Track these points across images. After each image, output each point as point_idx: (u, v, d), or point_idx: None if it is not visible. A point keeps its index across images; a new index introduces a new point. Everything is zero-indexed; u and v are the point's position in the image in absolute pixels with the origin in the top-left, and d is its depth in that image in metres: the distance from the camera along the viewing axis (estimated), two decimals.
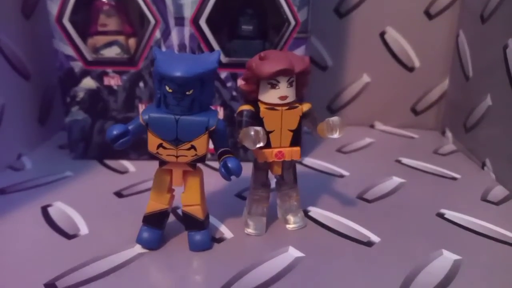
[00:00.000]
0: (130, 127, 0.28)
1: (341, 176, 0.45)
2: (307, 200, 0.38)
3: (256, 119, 0.31)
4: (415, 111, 0.60)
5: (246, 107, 0.31)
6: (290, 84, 0.30)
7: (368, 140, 0.55)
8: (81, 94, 0.45)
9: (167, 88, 0.27)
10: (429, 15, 0.55)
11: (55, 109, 0.55)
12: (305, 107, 0.31)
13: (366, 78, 0.59)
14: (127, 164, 0.47)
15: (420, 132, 0.59)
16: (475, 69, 0.50)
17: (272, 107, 0.30)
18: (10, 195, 0.40)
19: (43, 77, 0.52)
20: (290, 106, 0.31)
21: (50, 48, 0.44)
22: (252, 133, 0.28)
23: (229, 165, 0.28)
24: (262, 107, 0.31)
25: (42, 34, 0.50)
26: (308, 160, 0.48)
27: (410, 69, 0.58)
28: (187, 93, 0.27)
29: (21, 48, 0.48)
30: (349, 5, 0.55)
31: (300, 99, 0.32)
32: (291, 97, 0.31)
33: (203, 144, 0.29)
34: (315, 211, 0.37)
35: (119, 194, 0.40)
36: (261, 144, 0.28)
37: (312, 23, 0.43)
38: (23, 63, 0.48)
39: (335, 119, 0.30)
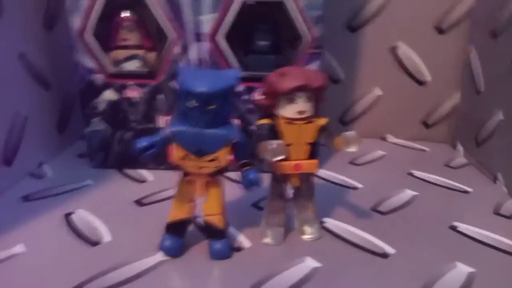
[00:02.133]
0: (156, 140, 0.29)
1: (355, 188, 0.45)
2: (323, 211, 0.38)
3: (274, 133, 0.32)
4: (426, 124, 0.61)
5: (265, 121, 0.32)
6: (308, 99, 0.31)
7: (380, 152, 0.56)
8: (101, 106, 0.46)
9: (191, 102, 0.29)
10: (440, 30, 0.56)
11: (73, 118, 0.57)
12: (322, 121, 0.32)
13: (377, 91, 0.59)
14: (145, 173, 0.48)
15: (431, 145, 0.59)
16: (486, 83, 0.50)
17: (290, 121, 0.31)
18: (34, 203, 0.41)
19: (63, 87, 0.54)
20: (308, 120, 0.32)
21: (69, 59, 0.45)
22: (272, 146, 0.29)
23: (250, 176, 0.29)
24: (281, 121, 0.31)
25: (62, 46, 0.51)
26: (322, 172, 0.49)
27: (421, 83, 0.58)
28: (210, 107, 0.28)
29: (42, 60, 0.49)
30: (361, 20, 0.56)
31: (316, 113, 0.33)
32: (309, 112, 0.32)
33: (225, 156, 0.30)
34: (331, 222, 0.38)
35: (139, 203, 0.41)
36: (281, 157, 0.29)
37: (324, 38, 0.44)
38: (43, 74, 0.50)
39: (351, 133, 0.30)
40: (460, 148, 0.57)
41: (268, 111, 0.32)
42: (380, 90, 0.59)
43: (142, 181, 0.46)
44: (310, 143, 0.32)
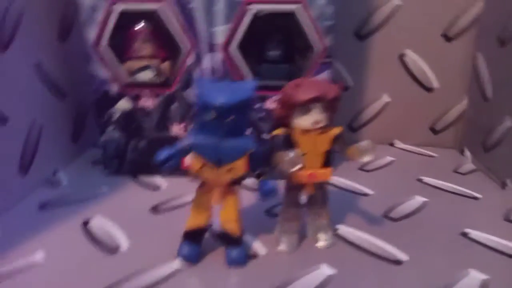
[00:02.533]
0: (176, 151, 0.30)
1: (366, 194, 0.46)
2: (335, 218, 0.39)
3: (289, 143, 0.32)
4: (434, 130, 0.61)
5: (279, 131, 0.33)
6: (322, 110, 0.32)
7: (389, 158, 0.57)
8: (116, 115, 0.47)
9: (209, 115, 0.29)
10: (447, 38, 0.57)
11: (87, 127, 0.57)
12: (336, 130, 0.33)
13: (386, 98, 0.60)
14: (159, 180, 0.48)
15: (439, 151, 0.60)
16: (494, 90, 0.51)
17: (305, 131, 0.32)
18: (51, 211, 0.42)
19: (77, 96, 0.55)
20: (322, 130, 0.32)
21: (83, 69, 0.46)
22: (290, 157, 0.29)
23: (267, 187, 0.30)
24: (296, 131, 0.32)
25: (76, 56, 0.52)
26: (332, 178, 0.49)
27: (429, 89, 0.59)
28: (228, 119, 0.29)
29: (57, 70, 0.50)
30: (369, 29, 0.57)
31: (330, 123, 0.33)
32: (323, 122, 0.32)
33: (242, 165, 0.30)
34: (344, 229, 0.38)
35: (155, 210, 0.42)
36: (298, 167, 0.30)
37: (333, 46, 0.44)
38: (58, 84, 0.51)
39: (365, 143, 0.31)
40: (468, 153, 0.57)
41: (282, 121, 0.33)
42: (389, 96, 0.60)
43: (156, 188, 0.47)
44: (324, 153, 0.33)
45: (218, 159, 0.30)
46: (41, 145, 0.47)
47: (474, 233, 0.38)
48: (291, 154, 0.30)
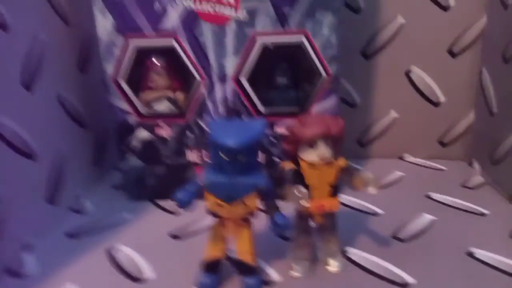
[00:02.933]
0: (192, 192, 0.32)
1: (375, 213, 0.47)
2: (345, 239, 0.40)
3: (298, 175, 0.34)
4: (442, 143, 0.62)
5: (288, 165, 0.34)
6: (327, 144, 0.34)
7: (398, 173, 0.58)
8: (135, 143, 0.49)
9: (221, 155, 0.31)
10: (452, 54, 0.58)
11: (106, 152, 0.60)
12: (342, 162, 0.35)
13: (393, 114, 0.61)
14: None
15: (448, 164, 0.61)
16: (499, 105, 0.52)
17: (312, 165, 0.34)
18: (78, 239, 0.44)
19: (96, 123, 0.57)
20: (328, 163, 0.34)
21: (101, 98, 0.48)
22: (298, 194, 0.31)
23: (279, 221, 0.32)
24: (303, 165, 0.34)
25: (94, 87, 0.55)
26: (342, 197, 0.51)
27: (436, 104, 0.60)
28: (239, 158, 0.31)
29: (78, 100, 0.53)
30: (374, 48, 0.58)
31: (336, 155, 0.35)
32: (329, 155, 0.34)
33: (254, 201, 0.32)
34: (353, 252, 0.40)
35: (174, 236, 0.44)
36: (305, 203, 0.32)
37: (340, 65, 0.46)
38: (80, 114, 0.54)
39: (369, 175, 0.33)
40: (476, 165, 0.58)
41: (291, 155, 0.35)
42: (396, 112, 0.61)
43: (174, 212, 0.49)
44: (331, 184, 0.34)
45: (230, 197, 0.32)
46: (65, 174, 0.50)
47: (480, 253, 0.39)
48: (299, 191, 0.31)
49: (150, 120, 0.48)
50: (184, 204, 0.32)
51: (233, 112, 0.47)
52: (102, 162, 0.60)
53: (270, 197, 0.33)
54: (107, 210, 0.50)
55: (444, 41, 0.57)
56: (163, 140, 0.49)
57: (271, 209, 0.33)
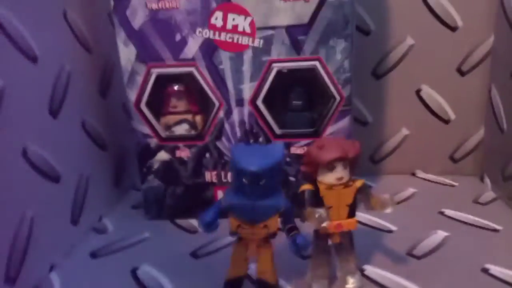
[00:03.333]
0: (216, 215, 0.33)
1: (390, 231, 0.48)
2: (362, 257, 0.41)
3: (316, 197, 0.35)
4: (453, 159, 0.63)
5: (307, 187, 0.36)
6: (345, 167, 0.35)
7: (411, 190, 0.59)
8: (156, 165, 0.51)
9: (243, 179, 0.33)
10: (461, 72, 0.59)
11: (126, 172, 0.62)
12: (359, 183, 0.36)
13: (405, 131, 0.63)
14: (195, 223, 0.52)
15: (459, 179, 0.62)
16: (509, 121, 0.53)
17: (330, 186, 0.35)
18: (101, 259, 0.46)
19: (116, 144, 0.59)
20: (346, 184, 0.35)
21: (121, 121, 0.50)
22: (318, 215, 0.33)
23: (299, 242, 0.33)
24: (321, 187, 0.35)
25: (115, 110, 0.57)
26: (357, 215, 0.52)
27: (446, 121, 0.61)
28: (260, 183, 0.33)
29: (99, 124, 0.55)
30: (385, 68, 0.60)
31: (352, 176, 0.36)
32: (346, 177, 0.35)
33: (275, 223, 0.34)
34: (370, 270, 0.41)
35: (194, 255, 0.45)
36: (325, 224, 0.33)
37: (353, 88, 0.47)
38: (101, 137, 0.56)
39: (386, 197, 0.34)
40: (487, 181, 0.59)
41: (309, 178, 0.36)
42: (407, 129, 0.63)
43: (193, 231, 0.51)
44: (349, 205, 0.36)
45: (252, 219, 0.33)
46: (88, 195, 0.52)
47: (495, 269, 0.40)
48: (319, 212, 0.33)
49: (170, 142, 0.50)
50: (209, 226, 0.33)
51: (250, 134, 0.49)
52: (121, 183, 0.61)
53: (290, 219, 0.34)
54: (128, 230, 0.52)
55: (453, 60, 0.59)
56: (182, 161, 0.51)
57: (291, 230, 0.34)
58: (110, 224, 0.54)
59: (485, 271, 0.40)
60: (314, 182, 0.36)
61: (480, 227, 0.48)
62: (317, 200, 0.35)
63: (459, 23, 0.57)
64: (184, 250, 0.46)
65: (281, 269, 0.39)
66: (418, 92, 0.61)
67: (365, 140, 0.63)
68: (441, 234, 0.47)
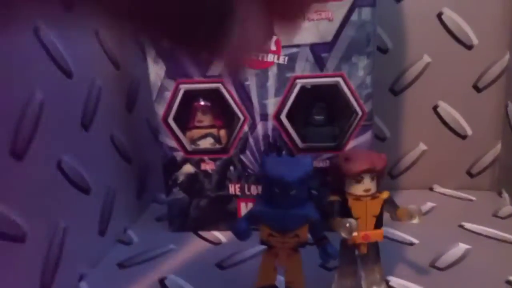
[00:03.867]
0: (248, 222, 0.34)
1: (411, 243, 0.49)
2: (386, 269, 0.42)
3: (344, 208, 0.36)
4: (470, 174, 0.64)
5: (335, 198, 0.37)
6: (372, 179, 0.36)
7: (429, 204, 0.59)
8: (181, 178, 0.52)
9: (275, 189, 0.34)
10: (477, 89, 0.60)
11: (148, 185, 0.63)
12: (385, 195, 0.37)
13: (422, 146, 0.63)
14: (218, 235, 0.53)
15: (477, 194, 0.62)
16: None
17: (358, 197, 0.36)
18: (129, 269, 0.47)
19: (140, 159, 0.61)
20: (373, 196, 0.36)
21: (146, 136, 0.51)
22: (347, 225, 0.33)
23: (330, 251, 0.34)
24: (349, 199, 0.36)
25: (140, 125, 0.58)
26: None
27: (463, 137, 0.62)
28: (291, 193, 0.34)
29: (126, 137, 0.57)
30: (402, 85, 0.61)
31: (379, 188, 0.37)
32: (374, 189, 0.36)
33: (305, 232, 0.35)
34: (395, 281, 0.41)
35: (220, 266, 0.46)
36: (355, 234, 0.34)
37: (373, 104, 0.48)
38: (126, 150, 0.57)
39: (414, 207, 0.35)
40: (505, 195, 0.59)
41: (337, 189, 0.37)
42: (425, 145, 0.63)
43: (217, 243, 0.51)
44: (376, 216, 0.36)
45: (283, 228, 0.34)
46: (114, 207, 0.53)
47: None
48: (348, 222, 0.34)
49: (195, 155, 0.51)
50: (242, 234, 0.34)
51: (274, 147, 0.50)
52: (143, 196, 0.62)
53: (319, 228, 0.35)
54: (153, 241, 0.53)
55: (469, 77, 0.60)
56: (207, 174, 0.52)
57: (321, 240, 0.35)
58: (134, 235, 0.55)
59: (510, 283, 0.40)
60: (341, 193, 0.37)
61: (500, 240, 0.49)
62: (345, 211, 0.36)
63: (475, 41, 0.59)
64: (210, 261, 0.47)
65: (307, 279, 0.40)
66: (435, 108, 0.62)
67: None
68: (462, 246, 0.47)
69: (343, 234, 0.34)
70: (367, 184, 0.36)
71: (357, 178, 0.36)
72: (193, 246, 0.51)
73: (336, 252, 0.34)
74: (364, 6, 0.44)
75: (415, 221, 0.35)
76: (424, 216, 0.56)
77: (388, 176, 0.65)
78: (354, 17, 0.45)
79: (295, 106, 0.49)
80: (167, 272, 0.45)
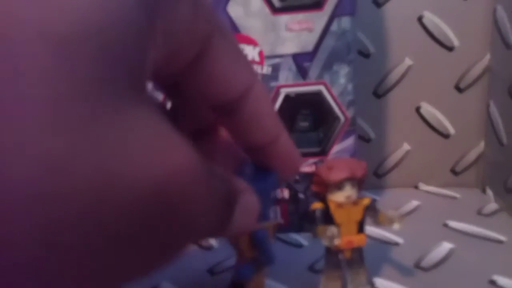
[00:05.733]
0: None
1: (396, 243, 0.48)
2: (372, 271, 0.41)
3: (327, 215, 0.36)
4: (455, 172, 0.63)
5: (318, 205, 0.36)
6: (353, 186, 0.35)
7: (414, 202, 0.59)
8: None
9: None
10: (459, 89, 0.60)
11: None
12: (366, 201, 0.36)
13: (406, 147, 0.63)
14: (209, 240, 0.52)
15: (461, 191, 0.62)
16: (509, 136, 0.53)
17: (340, 204, 0.36)
18: None
19: None
20: (354, 202, 0.36)
21: None
22: (329, 232, 0.33)
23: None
24: (331, 205, 0.36)
25: None
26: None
27: (446, 136, 0.62)
28: None
29: None
30: (385, 88, 0.61)
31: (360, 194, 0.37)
32: (354, 195, 0.36)
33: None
34: (380, 282, 0.41)
35: (211, 272, 0.46)
36: (337, 242, 0.33)
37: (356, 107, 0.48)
38: None
39: (394, 213, 0.34)
40: (489, 192, 0.59)
41: (320, 196, 0.37)
42: (408, 145, 0.63)
43: (208, 248, 0.51)
44: (358, 221, 0.36)
45: None
46: None
47: (503, 280, 0.40)
48: (330, 230, 0.33)
49: None
50: None
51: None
52: None
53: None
54: None
55: (451, 78, 0.59)
56: None
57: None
58: None
59: (493, 283, 0.40)
60: (324, 200, 0.36)
61: (485, 238, 0.48)
62: (327, 218, 0.36)
63: (456, 43, 0.58)
64: (201, 267, 0.46)
65: (292, 284, 0.39)
66: (418, 109, 0.61)
67: (369, 156, 0.63)
68: (447, 246, 0.47)
69: (325, 242, 0.33)
70: (348, 191, 0.35)
71: (338, 185, 0.35)
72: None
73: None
74: (343, 15, 0.44)
75: (396, 226, 0.34)
76: (409, 215, 0.55)
77: (374, 176, 0.65)
78: (334, 27, 0.44)
79: (281, 113, 0.47)
80: (159, 279, 0.45)
